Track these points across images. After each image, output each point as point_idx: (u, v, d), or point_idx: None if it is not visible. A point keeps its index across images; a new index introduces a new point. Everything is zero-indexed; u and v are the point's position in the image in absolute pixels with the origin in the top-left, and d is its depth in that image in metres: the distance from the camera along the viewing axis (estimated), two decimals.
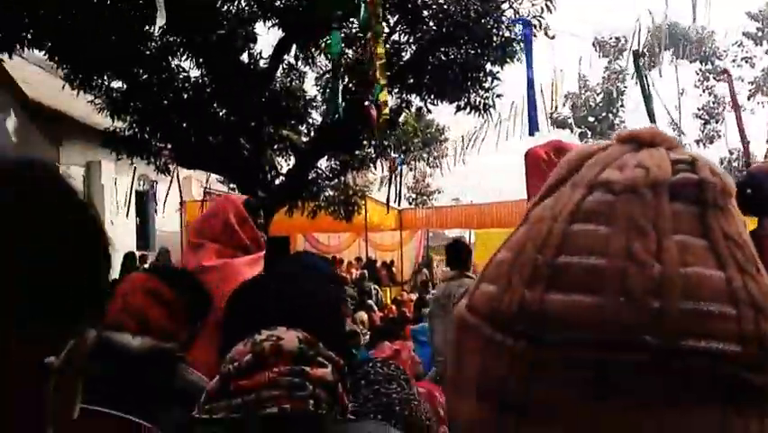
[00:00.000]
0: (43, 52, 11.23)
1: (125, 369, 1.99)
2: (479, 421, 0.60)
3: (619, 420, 0.54)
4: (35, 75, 15.15)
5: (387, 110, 8.21)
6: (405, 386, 1.96)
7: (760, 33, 31.45)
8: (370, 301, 13.27)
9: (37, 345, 0.65)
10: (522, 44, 11.08)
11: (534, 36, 10.85)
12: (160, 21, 7.38)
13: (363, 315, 10.39)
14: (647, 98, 10.95)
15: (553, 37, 10.77)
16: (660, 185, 0.58)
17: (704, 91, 34.67)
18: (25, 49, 10.86)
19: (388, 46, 11.46)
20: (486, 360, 0.60)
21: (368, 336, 8.44)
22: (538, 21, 11.10)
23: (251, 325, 1.39)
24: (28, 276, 0.64)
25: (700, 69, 33.66)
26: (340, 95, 9.99)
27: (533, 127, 8.99)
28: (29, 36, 10.52)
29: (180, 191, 16.92)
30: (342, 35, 10.88)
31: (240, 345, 1.35)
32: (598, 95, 32.38)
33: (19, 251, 0.64)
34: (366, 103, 9.80)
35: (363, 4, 8.05)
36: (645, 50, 12.93)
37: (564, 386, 0.56)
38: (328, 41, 11.63)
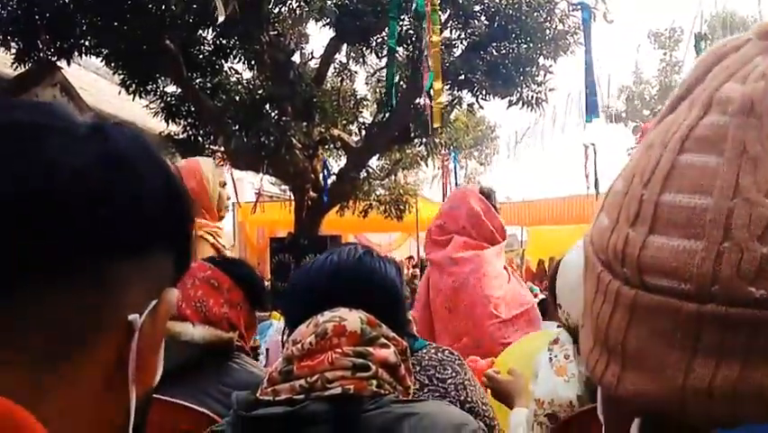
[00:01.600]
0: (100, 59, 11.50)
1: (188, 359, 1.99)
2: (593, 359, 0.57)
3: (719, 379, 0.49)
4: (92, 81, 15.50)
5: (441, 98, 8.13)
6: (459, 371, 1.94)
7: None
8: None
9: (120, 300, 0.63)
10: (575, 36, 10.94)
11: (594, 21, 10.68)
12: (221, 17, 7.45)
13: (415, 314, 10.37)
14: None
15: (611, 21, 10.54)
16: None
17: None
18: (82, 56, 11.13)
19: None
20: (597, 297, 0.56)
21: None
22: (596, 9, 10.94)
23: (315, 306, 1.38)
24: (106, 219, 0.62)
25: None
26: (394, 87, 9.96)
27: (592, 111, 8.69)
28: (86, 43, 10.77)
29: (236, 192, 17.12)
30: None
31: (303, 326, 1.34)
32: (653, 87, 31.80)
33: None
34: (419, 98, 9.74)
35: None
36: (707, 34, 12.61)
37: (658, 336, 0.51)
38: (379, 40, 11.65)
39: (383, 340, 1.31)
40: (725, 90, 0.52)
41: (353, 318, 1.31)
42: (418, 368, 1.97)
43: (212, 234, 3.38)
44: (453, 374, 1.98)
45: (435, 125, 8.25)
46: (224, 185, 3.58)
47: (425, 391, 1.94)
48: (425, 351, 2.03)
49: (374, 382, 1.25)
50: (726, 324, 0.48)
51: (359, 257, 1.62)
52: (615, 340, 0.54)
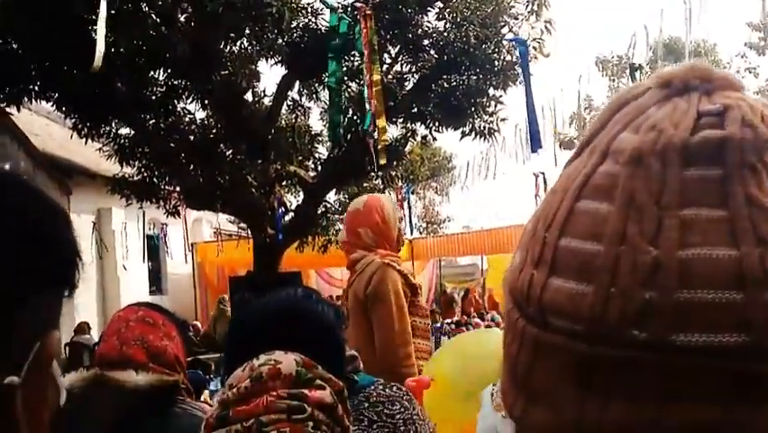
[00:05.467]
0: (51, 103, 11.39)
1: (132, 407, 1.98)
2: (507, 394, 0.60)
3: (608, 415, 0.51)
4: (43, 126, 15.32)
5: (385, 136, 8.24)
6: (408, 406, 1.95)
7: (762, 43, 31.49)
8: None
9: None
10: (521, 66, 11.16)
11: (535, 58, 10.91)
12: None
13: None
14: None
15: (548, 55, 10.81)
16: (670, 151, 0.51)
17: None
18: (33, 101, 11.02)
19: (390, 76, 11.56)
20: (507, 333, 0.59)
21: None
22: (538, 43, 11.17)
23: (251, 349, 1.39)
24: None
25: None
26: (341, 124, 10.06)
27: (535, 145, 8.97)
28: (36, 88, 10.68)
29: (186, 234, 16.98)
30: (345, 68, 10.98)
31: (239, 370, 1.35)
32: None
33: None
34: (363, 134, 9.86)
35: (358, 33, 8.14)
36: (647, 65, 12.94)
37: (558, 373, 0.54)
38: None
39: (319, 382, 1.32)
40: (620, 140, 0.54)
41: (289, 361, 1.32)
42: (367, 404, 1.98)
43: (395, 262, 3.56)
44: (402, 410, 1.99)
45: (381, 162, 8.35)
46: (400, 220, 3.77)
47: (375, 427, 1.95)
48: (372, 387, 2.04)
49: (310, 423, 1.26)
50: (613, 364, 0.51)
51: (297, 300, 1.63)
52: (522, 376, 0.57)
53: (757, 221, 0.49)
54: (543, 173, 16.72)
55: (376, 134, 8.03)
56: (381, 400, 2.00)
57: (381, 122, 7.81)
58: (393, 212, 3.66)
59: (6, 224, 0.67)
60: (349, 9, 9.74)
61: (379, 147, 7.94)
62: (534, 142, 8.93)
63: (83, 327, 12.24)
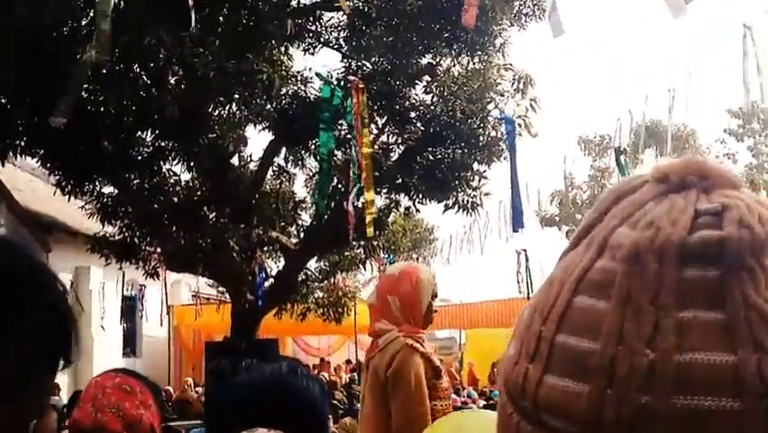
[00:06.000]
0: (36, 159, 11.37)
1: None
2: None
3: None
4: (27, 181, 15.29)
5: (373, 209, 8.29)
6: None
7: (741, 130, 32.22)
8: (360, 405, 12.98)
9: None
10: (507, 143, 11.30)
11: (520, 135, 11.08)
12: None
13: (353, 421, 10.15)
14: None
15: (535, 135, 10.98)
16: (668, 249, 0.50)
17: None
18: (18, 156, 11.00)
19: (376, 146, 11.67)
20: (500, 426, 0.58)
21: None
22: (523, 120, 11.36)
23: (232, 424, 1.35)
24: None
25: None
26: (328, 195, 10.11)
27: (517, 224, 9.05)
28: (22, 144, 10.67)
29: (166, 296, 16.81)
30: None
31: None
32: (584, 192, 32.82)
33: None
34: (346, 205, 9.92)
35: (350, 106, 8.26)
36: (628, 147, 13.19)
37: None
38: (317, 143, 11.84)
39: None
40: (617, 235, 0.54)
41: None
42: None
43: (419, 342, 3.36)
44: None
45: (369, 236, 8.38)
46: (435, 297, 3.56)
47: None
48: None
49: None
50: None
51: (282, 375, 1.60)
52: None
53: (754, 325, 0.48)
54: (524, 250, 16.90)
55: (362, 206, 8.07)
56: None
57: (369, 195, 7.87)
58: (428, 285, 3.51)
59: (32, 308, 0.68)
60: (342, 81, 9.90)
61: (368, 220, 7.97)
62: (517, 222, 9.01)
63: (53, 388, 11.99)
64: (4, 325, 0.66)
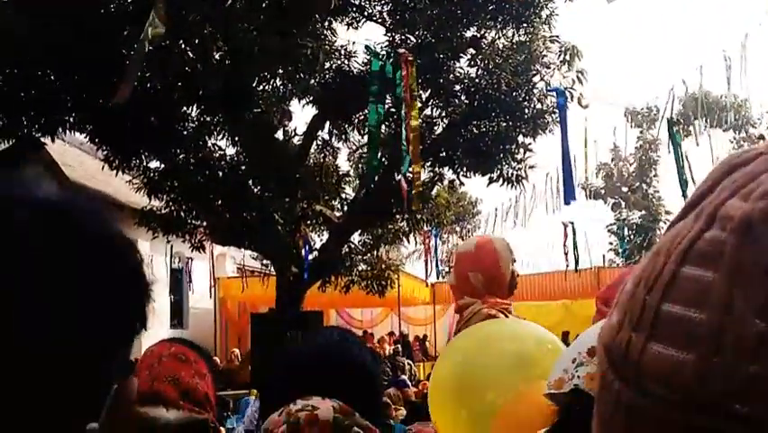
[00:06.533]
0: (84, 135, 11.57)
1: None
2: None
3: None
4: (76, 157, 15.55)
5: (419, 182, 8.27)
6: None
7: None
8: (404, 377, 13.08)
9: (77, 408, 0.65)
10: (554, 115, 11.15)
11: (567, 107, 10.94)
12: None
13: (397, 391, 10.23)
14: (681, 168, 10.90)
15: (586, 106, 10.79)
16: None
17: None
18: (67, 132, 11.19)
19: (420, 120, 11.63)
20: (602, 394, 0.57)
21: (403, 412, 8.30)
22: (570, 92, 11.20)
23: (288, 394, 1.37)
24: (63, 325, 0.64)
25: (734, 138, 33.53)
26: (377, 168, 10.11)
27: (568, 196, 8.93)
28: (71, 120, 10.86)
29: (213, 268, 17.03)
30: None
31: (275, 414, 1.32)
32: (630, 164, 32.34)
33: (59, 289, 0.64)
34: (398, 177, 9.91)
35: (399, 79, 8.22)
36: (680, 118, 12.91)
37: None
38: (361, 117, 11.83)
39: (356, 429, 1.29)
40: (728, 206, 0.52)
41: (326, 407, 1.30)
42: None
43: (504, 312, 3.37)
44: None
45: (414, 208, 8.36)
46: (513, 262, 3.60)
47: None
48: None
49: None
50: None
51: (336, 344, 1.61)
52: None
53: None
54: (572, 222, 16.76)
55: (408, 178, 8.06)
56: None
57: (417, 167, 7.84)
58: (507, 254, 3.45)
59: (120, 272, 0.73)
60: (391, 54, 9.84)
61: (414, 192, 7.96)
62: (568, 194, 8.90)
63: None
64: (93, 287, 0.68)
